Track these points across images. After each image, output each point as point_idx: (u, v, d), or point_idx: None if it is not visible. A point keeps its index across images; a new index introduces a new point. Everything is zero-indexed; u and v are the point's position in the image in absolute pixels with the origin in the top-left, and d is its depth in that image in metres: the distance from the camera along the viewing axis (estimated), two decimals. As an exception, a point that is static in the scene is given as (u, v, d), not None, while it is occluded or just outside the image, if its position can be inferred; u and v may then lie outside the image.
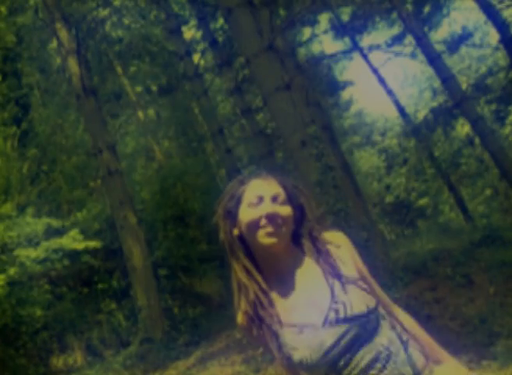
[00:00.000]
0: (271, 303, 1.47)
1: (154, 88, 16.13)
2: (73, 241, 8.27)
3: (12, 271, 7.50)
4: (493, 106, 14.06)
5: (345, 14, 14.87)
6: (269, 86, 6.20)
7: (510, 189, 11.81)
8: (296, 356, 1.41)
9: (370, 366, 1.40)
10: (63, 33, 9.53)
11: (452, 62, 15.99)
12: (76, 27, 9.87)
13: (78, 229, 8.55)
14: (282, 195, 1.52)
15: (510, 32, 10.34)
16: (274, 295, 1.50)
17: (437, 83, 15.20)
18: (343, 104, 20.91)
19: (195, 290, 10.79)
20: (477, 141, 13.83)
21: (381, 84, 14.69)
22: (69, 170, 11.58)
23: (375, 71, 14.60)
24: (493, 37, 14.35)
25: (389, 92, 14.72)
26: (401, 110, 15.14)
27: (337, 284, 1.46)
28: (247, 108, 12.54)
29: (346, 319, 1.40)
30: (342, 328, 1.40)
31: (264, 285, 1.49)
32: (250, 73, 10.22)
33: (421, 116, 17.40)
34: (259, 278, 1.49)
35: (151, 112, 17.73)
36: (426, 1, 13.03)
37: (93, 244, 8.64)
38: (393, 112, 18.14)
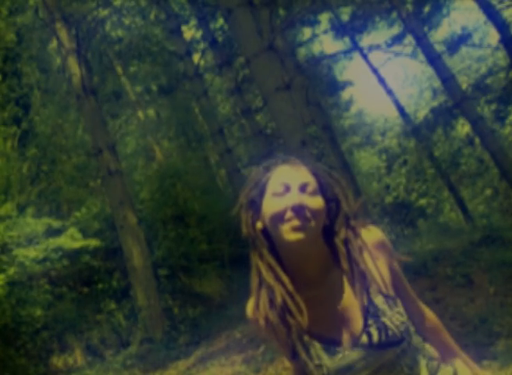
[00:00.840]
0: (300, 310, 1.28)
1: (154, 88, 16.13)
2: (72, 240, 8.27)
3: (11, 271, 7.51)
4: (493, 106, 14.06)
5: (345, 14, 14.87)
6: (269, 86, 6.20)
7: (510, 189, 11.81)
8: (318, 372, 1.30)
9: None
10: (63, 33, 9.53)
11: (452, 62, 15.98)
12: (76, 27, 9.87)
13: (78, 228, 8.56)
14: (313, 184, 1.31)
15: (510, 32, 10.34)
16: (300, 301, 1.30)
17: (437, 83, 15.20)
18: (343, 104, 20.91)
19: (195, 290, 10.78)
20: (477, 141, 13.83)
21: (381, 84, 14.69)
22: (69, 170, 11.58)
23: (375, 71, 14.61)
24: (493, 37, 14.36)
25: (389, 92, 14.72)
26: (401, 110, 15.14)
27: (376, 304, 1.30)
28: (247, 108, 12.55)
29: (379, 346, 1.27)
30: (373, 354, 1.27)
31: (290, 287, 1.29)
32: (250, 73, 10.22)
33: (421, 116, 17.40)
34: (286, 279, 1.29)
35: (151, 112, 17.73)
36: (426, 1, 13.03)
37: (92, 242, 8.65)
38: (393, 112, 18.15)
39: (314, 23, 14.30)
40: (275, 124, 7.36)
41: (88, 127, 9.93)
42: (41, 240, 8.11)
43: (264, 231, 1.32)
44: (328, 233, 1.34)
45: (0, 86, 11.37)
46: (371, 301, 1.30)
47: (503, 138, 15.92)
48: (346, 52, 16.02)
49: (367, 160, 22.36)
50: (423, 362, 1.36)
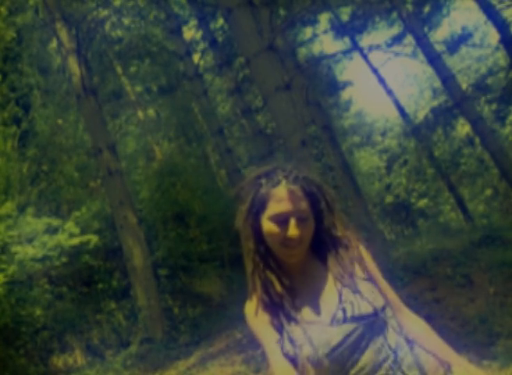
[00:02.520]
0: (293, 303, 1.48)
1: (154, 88, 16.13)
2: (70, 236, 8.25)
3: (11, 270, 7.50)
4: (493, 106, 14.06)
5: (345, 14, 14.87)
6: (269, 86, 6.20)
7: (510, 189, 11.81)
8: (304, 352, 1.41)
9: (376, 367, 1.41)
10: (63, 33, 9.53)
11: (452, 62, 15.98)
12: (76, 27, 9.87)
13: (78, 227, 8.54)
14: (306, 210, 1.47)
15: (510, 32, 10.33)
16: (285, 293, 1.50)
17: (437, 83, 15.19)
18: (343, 104, 20.91)
19: (195, 290, 10.78)
20: (477, 141, 13.82)
21: (381, 84, 14.69)
22: (69, 170, 11.58)
23: (375, 71, 14.60)
24: (493, 37, 14.36)
25: (389, 92, 14.72)
26: (401, 110, 15.14)
27: (347, 283, 1.48)
28: (247, 108, 12.55)
29: (353, 318, 1.41)
30: (349, 327, 1.41)
31: (287, 282, 1.50)
32: (250, 73, 10.22)
33: (421, 116, 17.40)
34: (282, 279, 1.50)
35: (151, 112, 17.73)
36: (426, 1, 13.03)
37: (91, 238, 8.62)
38: (393, 112, 18.14)
39: (314, 22, 14.30)
40: (275, 124, 7.36)
41: (88, 127, 9.93)
42: (40, 238, 8.10)
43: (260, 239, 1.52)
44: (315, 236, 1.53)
45: (0, 86, 11.36)
46: (344, 282, 1.48)
47: (503, 138, 15.92)
48: (346, 52, 16.01)
49: (367, 160, 22.35)
50: (408, 354, 1.45)
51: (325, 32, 15.03)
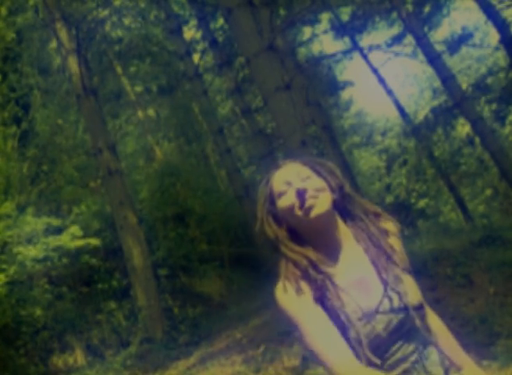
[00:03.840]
0: (334, 286, 1.44)
1: (154, 88, 16.13)
2: (72, 238, 8.25)
3: (11, 270, 7.50)
4: (493, 106, 14.06)
5: (345, 14, 14.86)
6: (269, 86, 6.20)
7: (510, 189, 11.81)
8: (353, 309, 1.42)
9: (404, 358, 1.42)
10: (63, 33, 9.53)
11: (452, 62, 15.98)
12: (76, 27, 9.87)
13: (80, 231, 8.54)
14: (306, 171, 1.51)
15: (510, 32, 10.33)
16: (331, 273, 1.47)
17: (437, 83, 15.20)
18: (343, 104, 20.91)
19: (195, 290, 10.78)
20: (477, 141, 13.82)
21: (381, 84, 14.69)
22: (69, 170, 11.58)
23: (375, 71, 14.60)
24: (493, 37, 14.36)
25: (389, 92, 14.72)
26: (401, 110, 15.14)
27: (391, 271, 1.47)
28: (247, 108, 12.54)
29: (400, 309, 1.41)
30: (394, 317, 1.40)
31: (314, 256, 1.46)
32: (250, 73, 10.22)
33: (421, 116, 17.40)
34: (311, 253, 1.47)
35: (151, 112, 17.73)
36: (426, 1, 13.03)
37: (92, 241, 8.63)
38: (393, 112, 18.14)
39: (314, 22, 14.30)
40: (275, 124, 7.36)
41: (88, 127, 9.93)
42: (41, 239, 8.10)
43: (289, 229, 1.51)
44: (345, 212, 1.55)
45: (0, 86, 11.36)
46: (386, 270, 1.47)
47: (503, 138, 15.93)
48: (346, 52, 16.01)
49: (367, 160, 22.35)
50: (434, 351, 1.47)
51: (325, 32, 15.03)
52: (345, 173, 9.89)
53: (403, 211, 17.83)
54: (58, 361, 8.75)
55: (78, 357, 8.79)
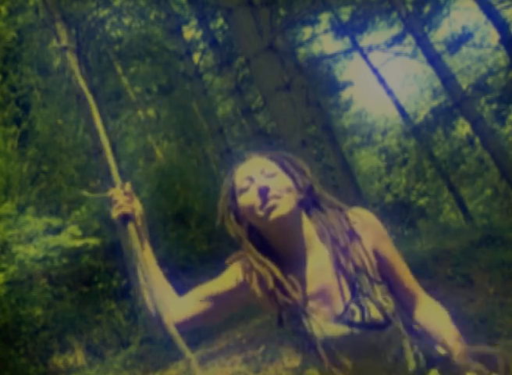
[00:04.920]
0: (294, 288, 1.36)
1: (154, 88, 16.12)
2: (72, 237, 8.25)
3: (11, 269, 7.50)
4: (493, 106, 14.06)
5: (345, 14, 14.86)
6: (269, 86, 6.19)
7: (510, 189, 11.81)
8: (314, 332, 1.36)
9: (384, 360, 1.34)
10: (63, 33, 9.53)
11: (452, 62, 15.98)
12: (76, 27, 9.87)
13: (80, 230, 8.54)
14: (272, 167, 1.40)
15: (510, 32, 10.33)
16: (294, 278, 1.37)
17: (437, 83, 15.20)
18: (343, 104, 20.90)
19: (195, 290, 10.76)
20: (477, 141, 13.82)
21: (381, 84, 14.69)
22: (69, 170, 11.58)
23: (375, 71, 14.61)
24: (493, 37, 14.35)
25: (389, 92, 14.72)
26: (401, 110, 15.14)
27: (360, 283, 1.34)
28: (247, 108, 12.54)
29: (362, 325, 1.31)
30: (356, 332, 1.32)
31: (279, 274, 1.36)
32: (250, 73, 10.22)
33: (421, 115, 17.40)
34: (275, 268, 1.37)
35: (151, 112, 17.72)
36: (426, 1, 13.02)
37: (91, 241, 8.62)
38: (393, 112, 18.14)
39: (314, 22, 14.29)
40: (275, 124, 7.36)
41: (88, 127, 9.92)
42: (41, 238, 8.10)
43: (250, 228, 1.41)
44: (309, 210, 1.43)
45: (0, 86, 11.36)
46: (354, 279, 1.34)
47: (503, 138, 15.92)
48: (346, 52, 16.02)
49: (367, 160, 22.35)
50: (410, 354, 1.38)
51: (325, 32, 15.04)
52: (345, 173, 9.91)
53: (403, 211, 17.82)
54: (58, 361, 8.76)
55: (78, 357, 8.79)
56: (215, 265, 11.79)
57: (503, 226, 9.11)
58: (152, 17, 14.35)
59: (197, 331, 8.50)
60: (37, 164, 11.19)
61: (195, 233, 11.63)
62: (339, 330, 1.33)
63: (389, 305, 1.35)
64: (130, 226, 1.56)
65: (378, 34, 15.76)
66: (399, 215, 17.74)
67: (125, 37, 14.37)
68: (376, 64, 14.76)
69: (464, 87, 12.44)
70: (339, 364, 1.34)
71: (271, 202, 1.33)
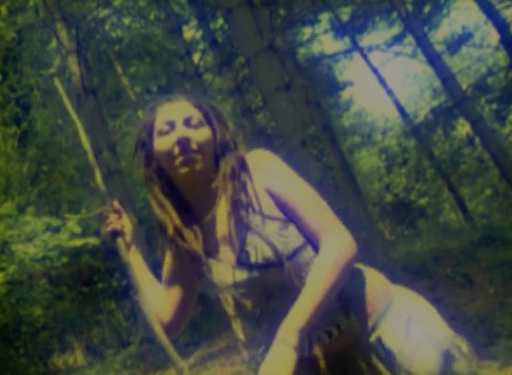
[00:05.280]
0: (196, 237, 1.36)
1: (154, 88, 16.12)
2: (72, 236, 8.23)
3: (11, 269, 7.51)
4: (493, 106, 14.06)
5: (345, 14, 14.86)
6: (269, 86, 6.19)
7: (510, 189, 11.81)
8: (214, 280, 1.36)
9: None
10: (63, 34, 9.54)
11: (452, 62, 15.99)
12: (76, 27, 9.87)
13: (79, 228, 8.53)
14: (197, 116, 1.35)
15: (510, 32, 10.33)
16: (196, 228, 1.37)
17: (437, 83, 15.20)
18: (343, 104, 20.90)
19: (195, 290, 10.77)
20: (477, 141, 13.83)
21: (381, 84, 14.69)
22: (69, 170, 11.58)
23: (375, 71, 14.61)
24: (493, 37, 14.36)
25: (389, 92, 14.73)
26: (401, 110, 15.14)
27: (251, 223, 1.30)
28: (247, 108, 12.54)
29: (258, 265, 1.28)
30: (252, 273, 1.29)
31: (179, 222, 1.36)
32: (250, 73, 10.22)
33: (421, 115, 17.40)
34: (175, 215, 1.37)
35: (151, 112, 17.70)
36: (426, 1, 13.02)
37: (91, 240, 8.60)
38: (393, 112, 18.15)
39: (314, 22, 14.29)
40: (275, 124, 7.36)
41: (88, 127, 9.92)
42: (41, 237, 8.11)
43: (159, 169, 1.37)
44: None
45: (0, 86, 11.36)
46: (247, 220, 1.30)
47: (503, 138, 15.92)
48: (346, 52, 16.01)
49: (367, 160, 22.35)
50: None
51: (325, 32, 15.03)
52: (345, 173, 9.90)
53: (403, 211, 17.82)
54: (58, 361, 8.76)
55: (78, 357, 8.79)
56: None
57: (503, 226, 9.11)
58: (152, 17, 14.35)
59: (197, 331, 8.50)
60: (37, 164, 11.20)
61: (195, 233, 11.62)
62: (241, 274, 1.31)
63: (286, 240, 1.28)
64: (119, 241, 1.64)
65: (378, 34, 15.77)
66: (399, 215, 17.75)
67: (125, 37, 14.37)
68: (376, 64, 14.78)
69: (464, 87, 12.44)
70: (248, 312, 1.34)
71: (187, 156, 1.30)
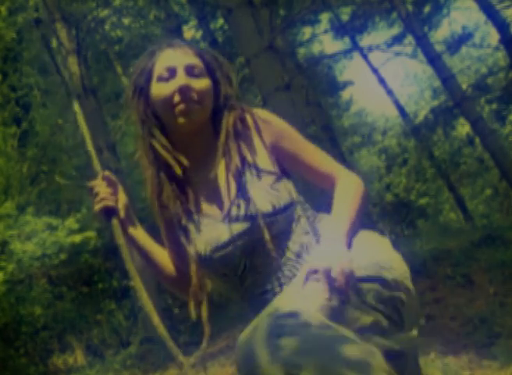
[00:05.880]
0: (194, 191, 1.34)
1: (154, 88, 16.12)
2: (70, 232, 8.22)
3: (10, 267, 7.51)
4: (493, 106, 14.06)
5: (345, 14, 14.86)
6: (269, 86, 6.19)
7: (510, 189, 11.81)
8: (194, 248, 1.32)
9: (272, 272, 1.28)
10: (63, 34, 9.53)
11: (452, 62, 15.99)
12: (76, 27, 9.87)
13: (77, 224, 8.52)
14: (199, 66, 1.32)
15: (510, 32, 10.32)
16: (188, 186, 1.35)
17: (437, 83, 15.20)
18: (343, 104, 20.89)
19: (195, 290, 10.76)
20: (477, 141, 13.82)
21: (381, 84, 14.68)
22: (69, 170, 11.57)
23: (375, 71, 14.60)
24: (493, 37, 14.35)
25: (389, 92, 14.72)
26: (401, 110, 15.14)
27: (246, 176, 1.29)
28: (247, 108, 12.53)
29: (247, 217, 1.26)
30: (241, 226, 1.26)
31: (185, 161, 1.31)
32: (250, 73, 10.22)
33: (421, 115, 17.40)
34: (180, 156, 1.32)
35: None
36: (426, 1, 13.02)
37: (89, 235, 8.58)
38: (393, 112, 18.15)
39: (314, 22, 14.29)
40: (275, 124, 7.34)
41: (88, 127, 9.91)
42: (39, 235, 8.10)
43: (154, 116, 1.33)
44: (216, 114, 1.36)
45: (0, 86, 11.36)
46: (241, 173, 1.29)
47: (503, 138, 15.91)
48: (346, 52, 16.00)
49: (367, 160, 22.33)
50: (294, 246, 1.29)
51: (325, 32, 15.03)
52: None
53: (403, 211, 17.81)
54: (58, 361, 8.75)
55: (78, 357, 8.79)
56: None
57: (503, 226, 9.11)
58: (152, 17, 14.34)
59: (197, 331, 8.50)
60: (37, 164, 11.19)
61: (195, 233, 11.62)
62: (234, 228, 1.28)
63: (278, 194, 1.28)
64: (114, 222, 1.49)
65: (378, 34, 15.76)
66: (399, 215, 17.73)
67: (125, 37, 14.37)
68: (376, 64, 14.77)
69: (464, 87, 12.44)
70: (232, 269, 1.32)
71: (188, 105, 1.27)
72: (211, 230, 1.30)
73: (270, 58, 6.26)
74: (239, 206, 1.27)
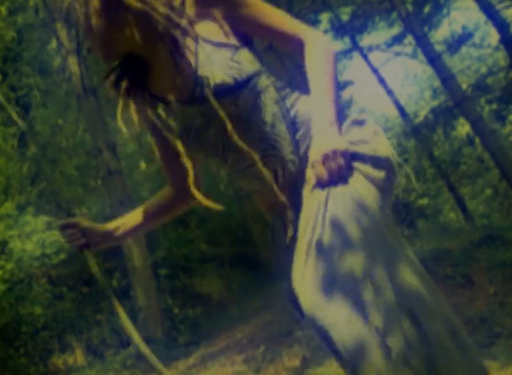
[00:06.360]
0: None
1: (154, 88, 16.12)
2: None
3: (9, 266, 7.51)
4: (493, 106, 14.06)
5: (345, 14, 14.86)
6: (269, 86, 6.19)
7: (510, 189, 11.81)
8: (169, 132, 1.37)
9: (252, 148, 1.28)
10: (63, 34, 9.53)
11: (452, 62, 15.98)
12: (76, 27, 9.86)
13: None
14: None
15: (510, 32, 10.32)
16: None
17: (437, 83, 15.20)
18: (343, 104, 20.88)
19: (195, 290, 10.78)
20: (477, 141, 13.83)
21: (381, 84, 14.68)
22: (69, 170, 11.57)
23: (375, 71, 14.59)
24: (493, 37, 14.35)
25: (389, 92, 14.71)
26: (401, 110, 15.12)
27: (203, 52, 1.28)
28: (247, 108, 12.53)
29: (214, 92, 1.25)
30: (209, 104, 1.25)
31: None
32: (250, 73, 10.22)
33: (421, 115, 17.40)
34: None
35: (151, 112, 17.68)
36: (426, 1, 13.02)
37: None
38: (393, 112, 18.15)
39: (314, 22, 14.28)
40: (275, 124, 7.34)
41: (88, 127, 9.92)
42: (39, 234, 8.10)
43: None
44: None
45: (0, 86, 11.36)
46: (197, 52, 1.28)
47: (503, 138, 15.92)
48: (346, 52, 16.00)
49: (367, 160, 22.31)
50: (268, 117, 1.29)
51: (325, 32, 15.00)
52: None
53: (402, 211, 17.82)
54: (58, 361, 8.75)
55: (78, 357, 8.79)
56: (214, 265, 11.83)
57: (503, 226, 9.11)
58: (152, 17, 14.34)
59: (197, 331, 8.50)
60: (37, 164, 11.19)
61: (195, 233, 11.62)
62: (198, 108, 1.28)
63: (239, 66, 1.30)
64: (87, 253, 1.65)
65: (378, 34, 15.76)
66: (399, 215, 17.74)
67: (125, 37, 14.36)
68: (376, 64, 14.76)
69: (464, 87, 12.44)
70: (211, 149, 1.35)
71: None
72: (185, 118, 1.32)
73: (270, 58, 6.26)
74: (201, 85, 1.26)
